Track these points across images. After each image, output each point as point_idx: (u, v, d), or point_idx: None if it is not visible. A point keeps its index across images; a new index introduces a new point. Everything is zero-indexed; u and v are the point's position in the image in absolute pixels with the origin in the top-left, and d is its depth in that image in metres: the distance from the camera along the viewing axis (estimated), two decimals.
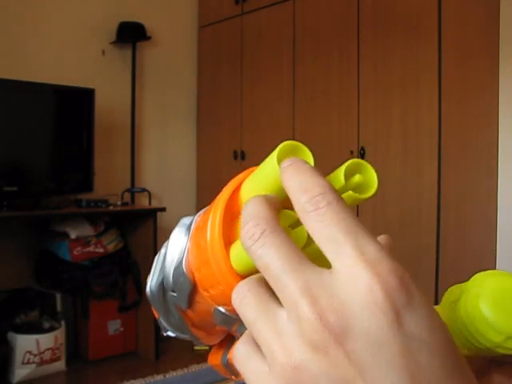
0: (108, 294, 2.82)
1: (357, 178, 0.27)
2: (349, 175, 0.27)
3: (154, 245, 2.89)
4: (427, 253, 2.53)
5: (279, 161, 0.26)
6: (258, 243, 0.24)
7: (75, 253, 2.74)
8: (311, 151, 0.28)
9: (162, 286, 0.33)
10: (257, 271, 0.25)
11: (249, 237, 0.24)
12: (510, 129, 2.32)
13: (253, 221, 0.24)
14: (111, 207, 2.93)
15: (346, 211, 0.23)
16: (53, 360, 2.60)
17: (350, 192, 0.26)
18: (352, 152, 2.79)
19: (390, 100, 2.68)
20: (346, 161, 0.27)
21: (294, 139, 2.91)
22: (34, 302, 2.78)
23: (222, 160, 3.56)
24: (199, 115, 3.78)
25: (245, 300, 0.25)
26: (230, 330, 0.31)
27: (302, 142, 0.28)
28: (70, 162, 2.97)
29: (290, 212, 0.26)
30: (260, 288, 0.25)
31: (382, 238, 0.29)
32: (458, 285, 0.34)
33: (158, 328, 2.92)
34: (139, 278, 2.91)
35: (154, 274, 0.33)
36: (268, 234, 0.24)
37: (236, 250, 0.27)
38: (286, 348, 0.23)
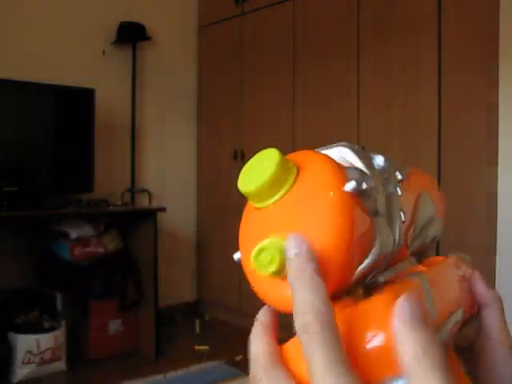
0: (108, 293, 2.83)
1: None
2: None
3: (154, 245, 2.89)
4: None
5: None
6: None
7: (75, 253, 2.75)
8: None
9: None
10: None
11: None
12: (510, 128, 2.32)
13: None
14: (111, 207, 2.93)
15: (330, 344, 0.24)
16: (53, 360, 2.60)
17: None
18: None
19: (390, 100, 2.68)
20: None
21: (294, 139, 2.91)
22: (33, 302, 2.78)
23: (222, 160, 3.56)
24: (199, 115, 3.78)
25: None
26: None
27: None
28: (70, 161, 2.97)
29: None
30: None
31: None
32: None
33: (158, 328, 2.92)
34: (139, 278, 2.92)
35: None
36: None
37: None
38: None
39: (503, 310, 0.37)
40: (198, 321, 3.41)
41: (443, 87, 2.49)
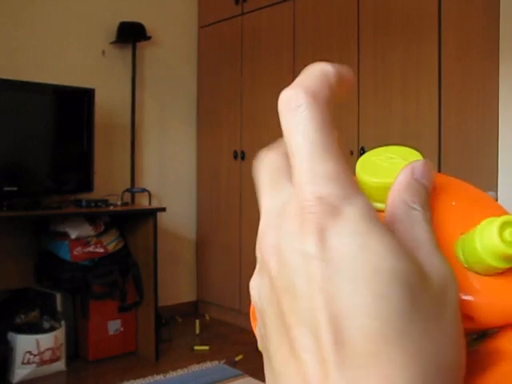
0: (108, 294, 2.82)
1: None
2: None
3: (154, 245, 2.89)
4: None
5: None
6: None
7: (75, 253, 2.74)
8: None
9: None
10: None
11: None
12: (510, 127, 2.32)
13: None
14: (111, 207, 2.93)
15: (314, 120, 0.20)
16: (53, 360, 2.60)
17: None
18: (352, 152, 2.79)
19: (390, 100, 2.68)
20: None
21: None
22: (34, 301, 2.78)
23: (222, 160, 3.56)
24: (199, 115, 3.78)
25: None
26: None
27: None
28: (69, 161, 2.97)
29: None
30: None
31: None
32: None
33: (157, 328, 2.92)
34: (139, 279, 2.91)
35: None
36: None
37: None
38: None
39: None
40: (198, 321, 3.41)
41: (443, 87, 2.49)
